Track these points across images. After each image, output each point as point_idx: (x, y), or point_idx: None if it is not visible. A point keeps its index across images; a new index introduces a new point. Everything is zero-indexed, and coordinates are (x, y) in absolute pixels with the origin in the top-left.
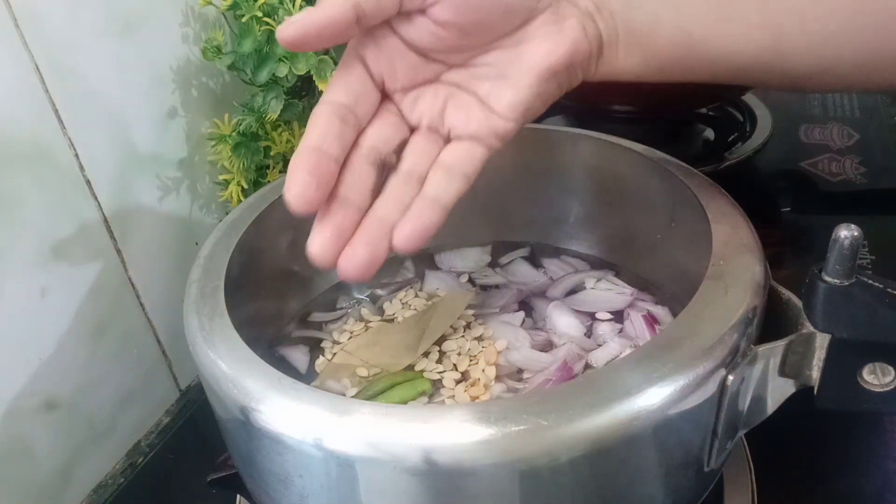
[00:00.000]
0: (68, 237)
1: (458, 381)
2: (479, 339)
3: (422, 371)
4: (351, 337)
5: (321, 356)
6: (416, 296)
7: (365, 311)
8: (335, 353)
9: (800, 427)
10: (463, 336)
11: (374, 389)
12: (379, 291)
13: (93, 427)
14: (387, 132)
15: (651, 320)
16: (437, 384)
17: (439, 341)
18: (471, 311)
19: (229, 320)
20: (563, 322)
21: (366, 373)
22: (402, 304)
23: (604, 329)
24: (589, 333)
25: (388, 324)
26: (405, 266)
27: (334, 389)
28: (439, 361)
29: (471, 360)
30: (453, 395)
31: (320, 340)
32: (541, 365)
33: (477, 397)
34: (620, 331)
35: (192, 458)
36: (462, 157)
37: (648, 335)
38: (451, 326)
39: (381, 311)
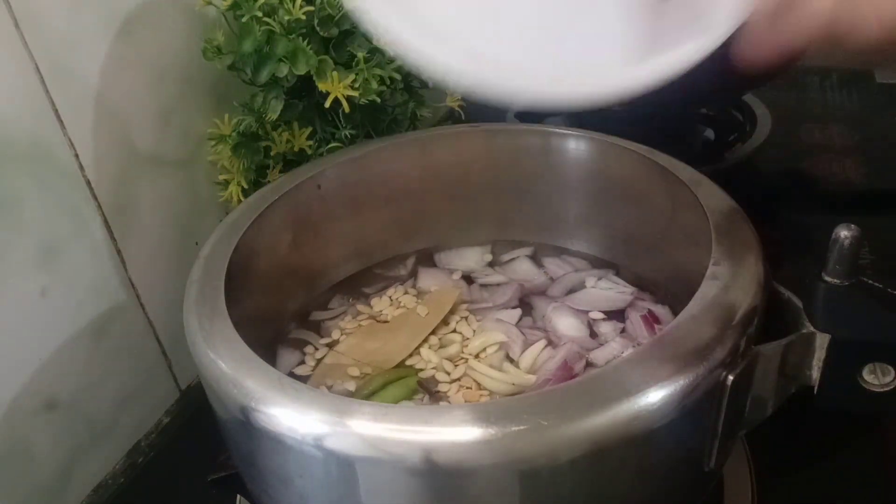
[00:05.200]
0: (68, 237)
1: (453, 380)
2: (474, 336)
3: (416, 369)
4: (342, 335)
5: (304, 361)
6: (406, 293)
7: (361, 309)
8: (325, 354)
9: (800, 427)
10: (457, 332)
11: (369, 389)
12: (374, 289)
13: (93, 427)
14: None
15: (651, 320)
16: (431, 381)
17: (433, 338)
18: (466, 307)
19: (229, 320)
20: (564, 323)
21: (357, 372)
22: (392, 300)
23: (605, 329)
24: (590, 333)
25: (378, 322)
26: (403, 264)
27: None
28: (433, 359)
29: (464, 358)
30: (448, 392)
31: (317, 340)
32: (540, 364)
33: (471, 395)
34: (622, 330)
35: (192, 458)
36: None
37: (648, 335)
38: (444, 322)
39: (373, 309)
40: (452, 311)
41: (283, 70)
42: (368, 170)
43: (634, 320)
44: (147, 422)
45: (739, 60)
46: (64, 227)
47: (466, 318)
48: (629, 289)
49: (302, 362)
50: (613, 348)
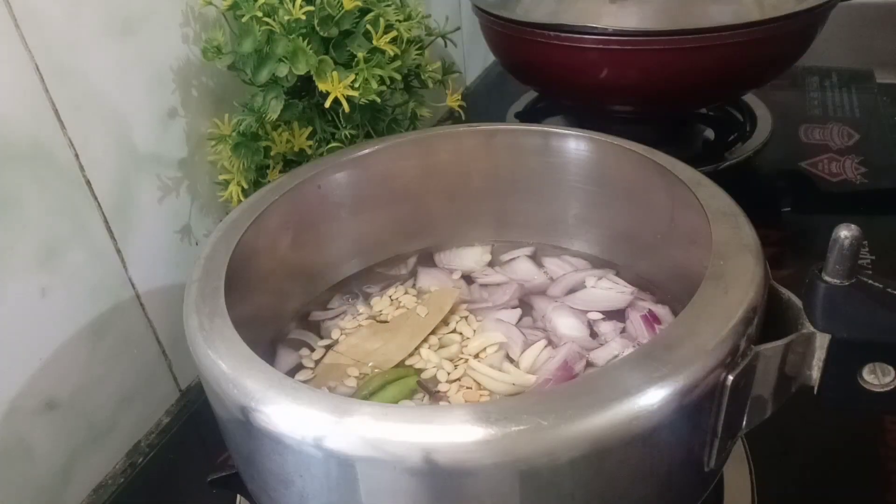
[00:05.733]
0: (68, 237)
1: (452, 381)
2: (473, 336)
3: (416, 369)
4: (342, 334)
5: (304, 361)
6: (406, 293)
7: (361, 309)
8: (325, 354)
9: (800, 427)
10: (457, 332)
11: (368, 389)
12: (374, 288)
13: (93, 427)
14: None
15: (652, 320)
16: (432, 381)
17: (433, 338)
18: (466, 307)
19: (229, 320)
20: (564, 323)
21: (356, 372)
22: (391, 300)
23: (605, 329)
24: (590, 333)
25: (378, 323)
26: (405, 263)
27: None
28: (432, 358)
29: (464, 358)
30: (447, 392)
31: (317, 341)
32: (540, 364)
33: (471, 395)
34: (622, 330)
35: (192, 458)
36: None
37: (649, 335)
38: (444, 322)
39: (373, 309)
40: (452, 311)
41: (283, 70)
42: (368, 170)
43: (635, 320)
44: (147, 422)
45: None
46: (64, 227)
47: (466, 317)
48: (629, 288)
49: (301, 362)
50: (613, 348)
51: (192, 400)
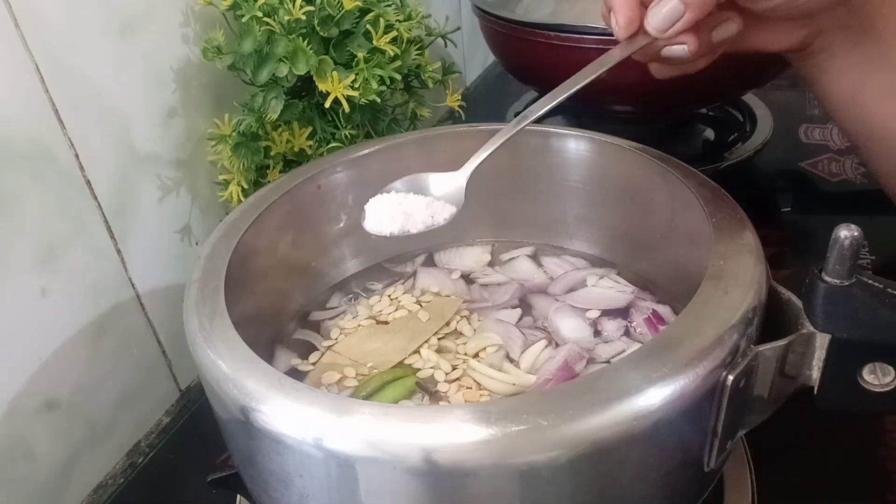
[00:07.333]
0: (68, 237)
1: (451, 381)
2: (474, 336)
3: (415, 368)
4: (342, 334)
5: (304, 361)
6: (405, 292)
7: (360, 310)
8: (323, 354)
9: (800, 427)
10: (457, 332)
11: (367, 390)
12: (378, 285)
13: (93, 427)
14: None
15: (656, 321)
16: (431, 382)
17: (432, 337)
18: (466, 306)
19: (229, 320)
20: (566, 325)
21: (353, 373)
22: (391, 300)
23: (608, 328)
24: (593, 333)
25: (378, 324)
26: (412, 261)
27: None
28: (432, 358)
29: (464, 359)
30: (447, 392)
31: (320, 341)
32: (540, 364)
33: (471, 395)
34: (625, 330)
35: (192, 458)
36: None
37: (652, 336)
38: (445, 322)
39: (373, 310)
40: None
41: (283, 70)
42: (368, 170)
43: (638, 321)
44: (147, 422)
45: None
46: (64, 227)
47: (468, 317)
48: (630, 287)
49: (301, 362)
50: (616, 348)
51: (192, 400)
